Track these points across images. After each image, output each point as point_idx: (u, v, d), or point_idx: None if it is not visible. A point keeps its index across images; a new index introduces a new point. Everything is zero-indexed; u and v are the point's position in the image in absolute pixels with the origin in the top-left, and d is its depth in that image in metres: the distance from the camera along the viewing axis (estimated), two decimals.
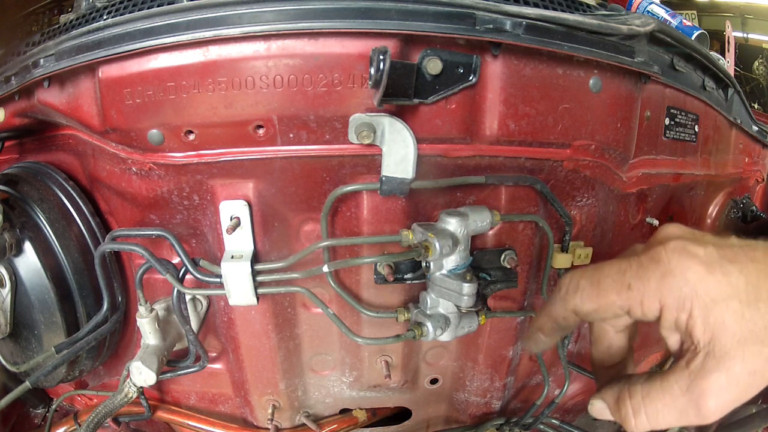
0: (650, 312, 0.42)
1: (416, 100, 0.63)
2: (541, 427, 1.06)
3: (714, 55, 1.07)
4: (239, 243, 0.74)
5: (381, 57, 0.54)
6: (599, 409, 0.49)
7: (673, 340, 0.45)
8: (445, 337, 0.75)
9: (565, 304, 0.46)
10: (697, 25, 1.22)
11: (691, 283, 0.40)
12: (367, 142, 0.63)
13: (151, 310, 0.79)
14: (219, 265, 0.73)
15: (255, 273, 0.74)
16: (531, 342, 0.54)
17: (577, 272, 0.46)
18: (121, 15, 0.66)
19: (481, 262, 0.79)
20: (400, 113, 0.64)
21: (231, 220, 0.72)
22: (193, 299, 0.86)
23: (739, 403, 0.40)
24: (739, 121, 1.19)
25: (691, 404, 0.41)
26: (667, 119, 0.88)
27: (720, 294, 0.39)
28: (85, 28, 0.65)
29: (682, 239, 0.42)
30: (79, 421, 1.03)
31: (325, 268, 0.73)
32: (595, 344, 0.52)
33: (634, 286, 0.42)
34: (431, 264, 0.71)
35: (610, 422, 1.32)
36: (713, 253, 0.41)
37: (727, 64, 1.85)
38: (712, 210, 1.31)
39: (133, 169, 0.73)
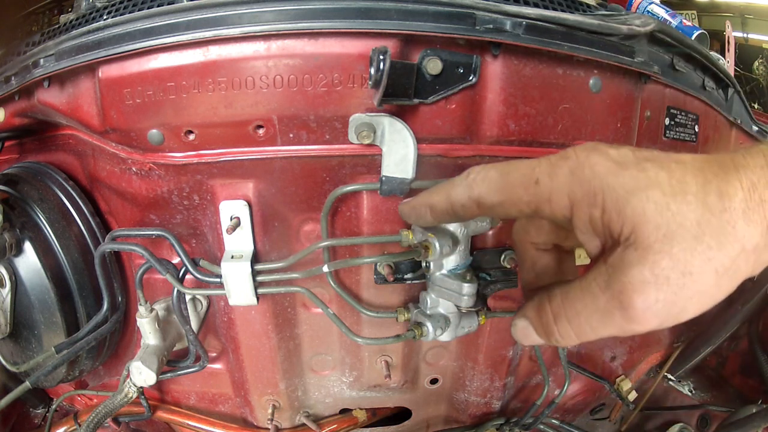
0: (559, 210, 0.38)
1: (416, 100, 0.63)
2: (541, 427, 1.06)
3: (714, 55, 1.07)
4: (239, 243, 0.74)
5: (381, 57, 0.54)
6: (522, 328, 0.45)
7: (592, 245, 0.40)
8: (445, 337, 0.75)
9: (470, 191, 0.43)
10: (697, 25, 1.22)
11: (600, 176, 0.36)
12: (367, 142, 0.63)
13: (151, 310, 0.79)
14: (219, 265, 0.73)
15: (255, 273, 0.74)
16: (413, 213, 0.49)
17: (488, 164, 0.43)
18: (121, 15, 0.66)
19: (481, 262, 0.79)
20: (400, 113, 0.64)
21: (231, 220, 0.72)
22: (193, 299, 0.86)
23: (676, 309, 0.35)
24: (739, 121, 1.19)
25: (614, 302, 0.36)
26: (667, 119, 0.88)
27: (637, 185, 0.35)
28: (85, 28, 0.65)
29: (592, 142, 0.39)
30: (79, 421, 1.03)
31: (325, 268, 0.73)
32: (520, 266, 0.49)
33: (542, 181, 0.39)
34: (431, 264, 0.71)
35: (610, 422, 1.32)
36: (627, 153, 0.37)
37: (727, 64, 1.85)
38: None
39: (133, 169, 0.73)
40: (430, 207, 0.47)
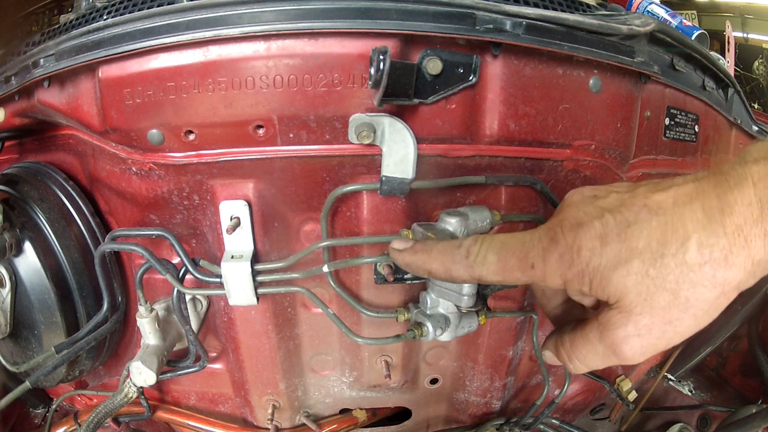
0: (554, 285, 0.44)
1: (416, 100, 0.63)
2: (541, 427, 1.06)
3: (714, 55, 1.07)
4: (239, 243, 0.74)
5: (381, 57, 0.54)
6: (548, 357, 0.52)
7: (587, 302, 0.48)
8: (445, 337, 0.75)
9: (471, 271, 0.47)
10: (697, 25, 1.22)
11: (585, 259, 0.41)
12: (367, 142, 0.63)
13: (151, 310, 0.79)
14: (219, 265, 0.73)
15: (255, 273, 0.74)
16: (407, 268, 0.54)
17: (484, 241, 0.48)
18: (121, 15, 0.66)
19: None
20: (400, 113, 0.64)
21: (231, 220, 0.72)
22: (193, 299, 0.86)
23: (661, 346, 0.41)
24: (739, 121, 1.19)
25: (609, 351, 0.43)
26: (667, 119, 0.88)
27: (618, 259, 0.40)
28: (85, 28, 0.65)
29: (580, 209, 0.43)
30: (79, 421, 1.03)
31: (325, 268, 0.73)
32: (542, 309, 0.56)
33: (537, 265, 0.44)
34: None
35: (610, 422, 1.32)
36: (609, 222, 0.41)
37: (727, 64, 1.85)
38: None
39: (133, 169, 0.73)
40: (429, 271, 0.52)
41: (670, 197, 0.40)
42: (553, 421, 1.09)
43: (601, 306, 0.44)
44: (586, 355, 0.46)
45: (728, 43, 2.05)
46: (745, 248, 0.37)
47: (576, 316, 0.54)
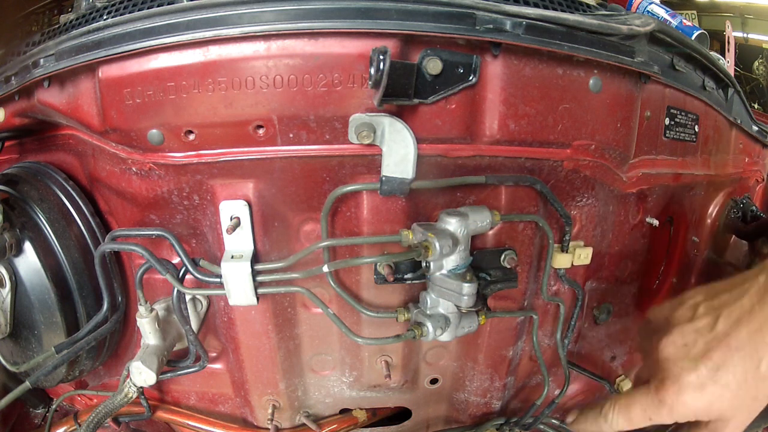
0: (668, 422, 0.58)
1: (416, 100, 0.63)
2: (541, 427, 1.06)
3: (714, 55, 1.07)
4: (239, 243, 0.74)
5: (381, 57, 0.54)
6: None
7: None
8: (445, 337, 0.75)
9: (610, 428, 0.63)
10: (697, 25, 1.22)
11: (692, 410, 0.55)
12: (367, 142, 0.63)
13: (151, 310, 0.79)
14: (219, 265, 0.73)
15: (255, 273, 0.74)
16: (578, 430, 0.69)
17: (615, 405, 0.62)
18: (121, 15, 0.66)
19: (481, 262, 0.79)
20: (400, 113, 0.64)
21: (231, 220, 0.72)
22: (193, 299, 0.86)
23: None
24: (739, 121, 1.19)
25: None
26: (667, 119, 0.88)
27: (713, 399, 0.53)
28: (85, 28, 0.65)
29: (677, 364, 0.55)
30: (79, 421, 1.03)
31: (325, 268, 0.73)
32: None
33: (654, 419, 0.58)
34: (431, 264, 0.71)
35: None
36: (703, 374, 0.53)
37: (727, 64, 1.85)
38: (712, 210, 1.31)
39: (133, 169, 0.73)
40: None
41: (743, 329, 0.52)
42: (553, 421, 1.09)
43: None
44: None
45: (728, 43, 2.05)
46: None
47: None
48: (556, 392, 1.00)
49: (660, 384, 0.57)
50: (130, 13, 0.66)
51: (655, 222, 0.99)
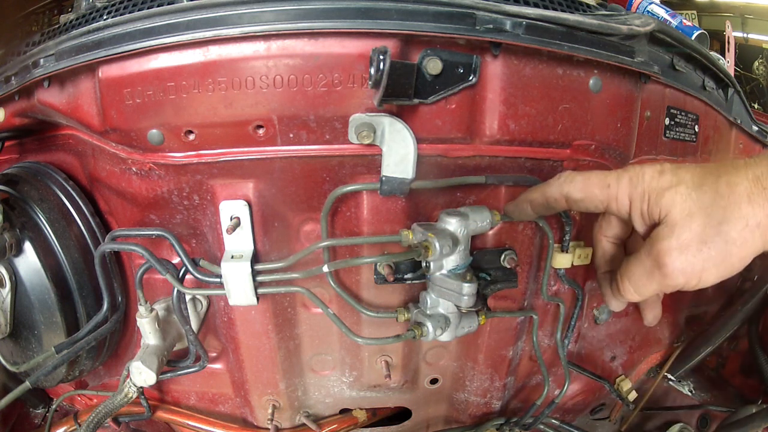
0: (623, 206, 0.57)
1: (416, 100, 0.63)
2: (541, 427, 1.06)
3: (714, 55, 1.07)
4: (239, 243, 0.74)
5: (381, 57, 0.54)
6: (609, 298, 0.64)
7: (643, 229, 0.58)
8: (445, 337, 0.75)
9: (561, 188, 0.60)
10: (697, 25, 1.22)
11: (647, 180, 0.54)
12: (367, 142, 0.63)
13: (151, 310, 0.79)
14: (219, 265, 0.73)
15: (255, 273, 0.74)
16: (516, 210, 0.68)
17: (573, 171, 0.60)
18: (121, 15, 0.66)
19: (481, 262, 0.79)
20: (400, 113, 0.64)
21: (231, 220, 0.72)
22: (193, 299, 0.86)
23: (698, 269, 0.51)
24: (739, 121, 1.19)
25: (655, 264, 0.53)
26: (667, 119, 0.88)
27: (669, 183, 0.53)
28: (85, 28, 0.65)
29: (641, 165, 0.56)
30: (79, 421, 1.03)
31: (325, 268, 0.73)
32: (595, 253, 0.67)
33: (612, 185, 0.57)
34: (431, 264, 0.71)
35: (610, 422, 1.32)
36: (666, 164, 0.55)
37: (727, 64, 1.85)
38: None
39: (133, 169, 0.73)
40: (530, 202, 0.65)
41: (712, 163, 0.53)
42: (553, 421, 1.09)
43: (651, 230, 0.55)
44: (634, 273, 0.56)
45: (728, 43, 2.05)
46: (762, 193, 0.48)
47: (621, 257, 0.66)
48: (556, 392, 1.00)
49: (623, 168, 0.58)
50: (130, 13, 0.66)
51: None
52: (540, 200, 0.63)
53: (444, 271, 0.71)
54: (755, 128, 1.33)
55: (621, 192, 0.56)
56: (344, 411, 1.04)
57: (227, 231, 0.71)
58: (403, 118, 0.64)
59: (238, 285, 0.73)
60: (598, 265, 0.69)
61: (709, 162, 1.06)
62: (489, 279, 0.79)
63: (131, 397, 0.84)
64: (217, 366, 0.95)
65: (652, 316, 0.70)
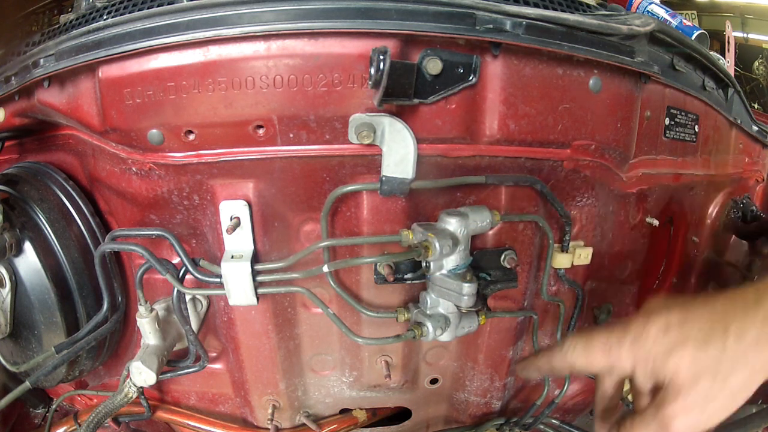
0: (627, 368, 0.55)
1: (416, 100, 0.63)
2: (541, 427, 1.06)
3: (714, 55, 1.07)
4: (239, 243, 0.74)
5: (381, 57, 0.54)
6: None
7: (647, 386, 0.56)
8: (445, 337, 0.75)
9: (564, 359, 0.60)
10: (697, 25, 1.22)
11: (651, 342, 0.53)
12: (367, 142, 0.63)
13: (151, 310, 0.79)
14: (219, 265, 0.73)
15: (255, 273, 0.74)
16: (525, 371, 0.68)
17: (576, 335, 0.60)
18: (121, 15, 0.66)
19: (481, 262, 0.79)
20: (400, 113, 0.64)
21: (231, 220, 0.72)
22: (193, 299, 0.86)
23: (704, 422, 0.50)
24: (739, 121, 1.19)
25: (661, 427, 0.52)
26: (667, 119, 0.88)
27: (675, 343, 0.51)
28: (85, 28, 0.65)
29: (652, 311, 0.54)
30: (79, 421, 1.03)
31: (325, 268, 0.73)
32: (596, 391, 0.65)
33: (614, 350, 0.55)
34: (431, 264, 0.71)
35: None
36: (673, 316, 0.52)
37: (727, 64, 1.85)
38: (712, 210, 1.31)
39: (133, 169, 0.73)
40: (537, 368, 0.66)
41: (719, 304, 0.51)
42: (553, 421, 1.09)
43: (657, 389, 0.54)
44: None
45: (728, 43, 2.05)
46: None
47: (615, 412, 0.65)
48: (556, 392, 1.00)
49: (629, 319, 0.57)
50: (130, 13, 0.66)
51: (655, 222, 0.99)
52: (546, 368, 0.64)
53: (444, 271, 0.71)
54: (755, 128, 1.33)
55: (624, 356, 0.55)
56: (344, 411, 1.04)
57: (227, 231, 0.71)
58: (403, 118, 0.64)
59: (238, 285, 0.73)
60: (597, 402, 0.67)
61: (709, 161, 1.07)
62: (489, 279, 0.79)
63: (131, 397, 0.84)
64: (217, 366, 0.95)
65: None
